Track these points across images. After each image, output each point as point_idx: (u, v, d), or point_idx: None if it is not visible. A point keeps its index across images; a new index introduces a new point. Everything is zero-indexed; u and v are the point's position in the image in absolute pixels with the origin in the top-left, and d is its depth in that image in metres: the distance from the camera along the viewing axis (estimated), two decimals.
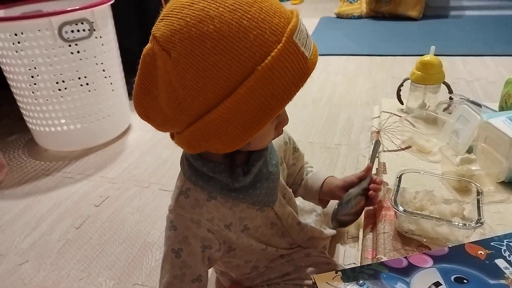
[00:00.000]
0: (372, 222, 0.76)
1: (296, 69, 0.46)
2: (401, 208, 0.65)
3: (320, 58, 0.52)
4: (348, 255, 0.95)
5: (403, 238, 0.67)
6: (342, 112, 1.67)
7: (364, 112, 1.65)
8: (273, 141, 0.67)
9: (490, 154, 0.80)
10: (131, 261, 0.99)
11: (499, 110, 1.03)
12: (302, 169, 0.87)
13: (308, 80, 0.48)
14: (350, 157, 1.34)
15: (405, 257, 0.56)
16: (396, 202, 0.67)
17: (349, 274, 0.55)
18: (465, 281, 0.51)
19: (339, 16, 3.16)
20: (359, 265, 0.88)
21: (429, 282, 0.51)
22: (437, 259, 0.55)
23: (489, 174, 0.79)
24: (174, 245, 0.62)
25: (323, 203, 0.85)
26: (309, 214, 0.92)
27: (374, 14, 3.05)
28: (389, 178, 0.83)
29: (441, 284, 0.51)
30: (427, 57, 1.05)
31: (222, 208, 0.63)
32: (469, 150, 0.88)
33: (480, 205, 0.65)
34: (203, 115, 0.48)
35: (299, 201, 0.93)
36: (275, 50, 0.45)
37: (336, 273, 0.55)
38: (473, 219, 0.63)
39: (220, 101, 0.46)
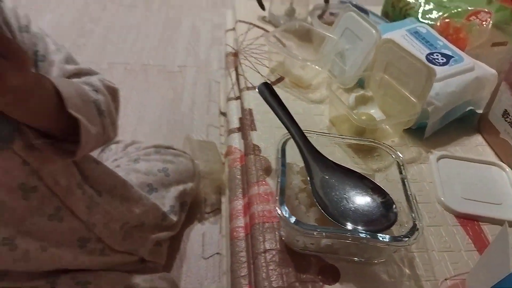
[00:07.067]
0: (243, 223, 0.47)
1: None
2: (292, 219, 0.37)
3: None
4: (209, 241, 0.67)
5: (296, 257, 0.41)
6: (184, 17, 1.26)
7: (212, 17, 1.28)
8: None
9: (393, 91, 0.56)
10: None
11: (383, 15, 0.80)
12: None
13: None
14: (199, 84, 1.00)
15: None
16: (282, 203, 0.38)
17: None
18: None
19: None
20: (224, 255, 0.62)
21: None
22: None
23: (396, 122, 0.56)
24: None
25: None
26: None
27: None
28: (262, 140, 0.53)
29: None
30: None
31: None
32: (360, 83, 0.63)
33: (409, 193, 0.41)
34: None
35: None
36: None
37: None
38: (398, 213, 0.39)
39: None
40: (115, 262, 0.52)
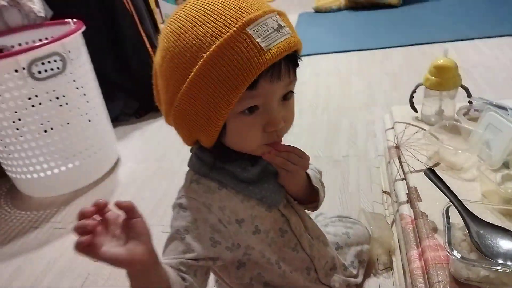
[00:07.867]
0: (419, 265, 0.67)
1: (246, 57, 0.48)
2: (458, 255, 0.57)
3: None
4: None
5: (462, 286, 0.59)
6: (343, 118, 1.58)
7: (365, 115, 1.57)
8: None
9: None
10: None
11: None
12: None
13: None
14: (361, 170, 1.26)
15: None
16: (451, 247, 0.58)
17: None
18: None
19: (318, 10, 3.06)
20: None
21: None
22: None
23: None
24: (180, 227, 0.57)
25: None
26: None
27: (353, 5, 2.97)
28: (427, 208, 0.74)
29: None
30: (441, 61, 0.96)
31: (234, 199, 0.61)
32: (505, 164, 0.80)
33: None
34: (173, 102, 0.53)
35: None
36: (221, 39, 0.48)
37: None
38: None
39: (179, 88, 0.51)
40: None
